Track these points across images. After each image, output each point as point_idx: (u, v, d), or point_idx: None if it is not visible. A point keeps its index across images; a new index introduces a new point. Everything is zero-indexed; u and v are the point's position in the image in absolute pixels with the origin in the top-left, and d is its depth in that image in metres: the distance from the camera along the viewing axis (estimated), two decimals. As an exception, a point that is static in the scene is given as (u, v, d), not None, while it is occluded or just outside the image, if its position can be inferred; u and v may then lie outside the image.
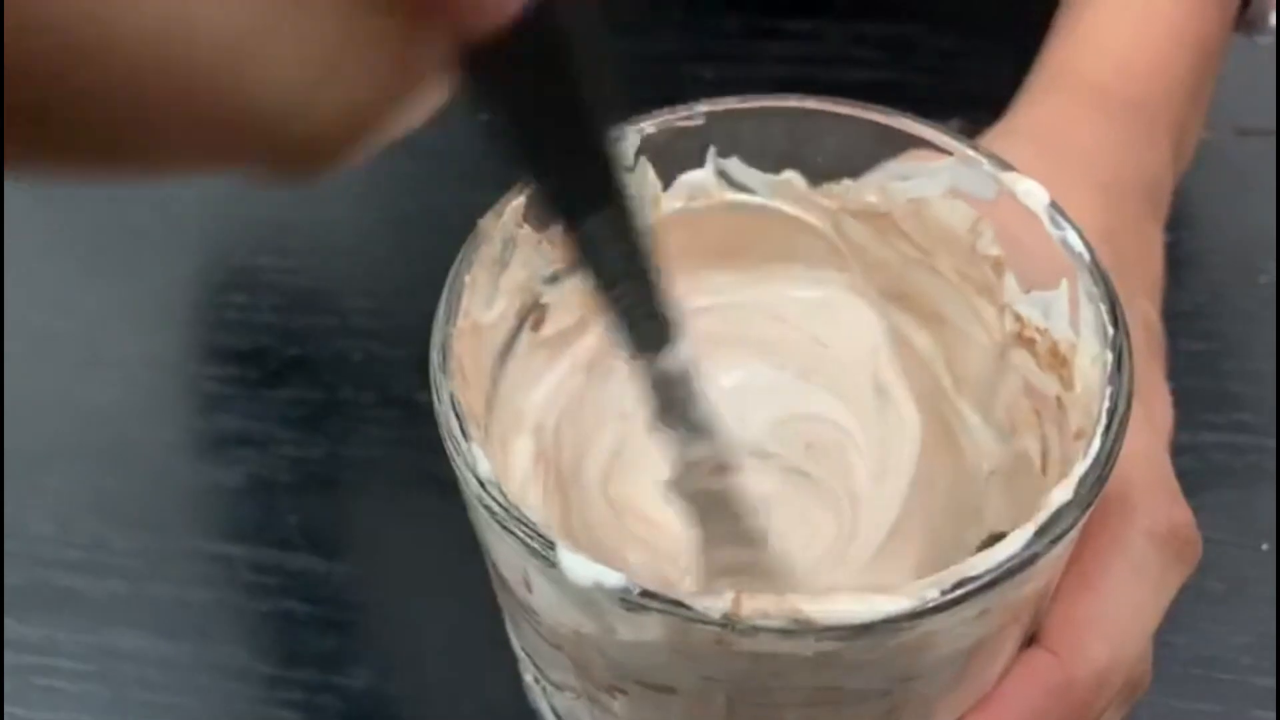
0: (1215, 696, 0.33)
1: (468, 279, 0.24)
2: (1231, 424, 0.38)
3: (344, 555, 0.37)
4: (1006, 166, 0.25)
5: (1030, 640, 0.25)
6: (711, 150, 0.27)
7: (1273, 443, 0.37)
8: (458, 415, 0.22)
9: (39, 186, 0.45)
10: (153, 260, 0.46)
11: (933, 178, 0.26)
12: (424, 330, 0.24)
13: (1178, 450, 0.28)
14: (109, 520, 0.38)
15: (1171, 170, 0.35)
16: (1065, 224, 0.24)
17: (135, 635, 0.36)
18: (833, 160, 0.27)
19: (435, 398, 0.22)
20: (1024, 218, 0.25)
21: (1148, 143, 0.34)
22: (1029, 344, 0.25)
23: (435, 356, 0.23)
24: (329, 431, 0.40)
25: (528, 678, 0.28)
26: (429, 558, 0.37)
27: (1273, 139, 0.45)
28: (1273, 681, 0.33)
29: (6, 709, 0.34)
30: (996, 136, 0.32)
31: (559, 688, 0.25)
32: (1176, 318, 0.36)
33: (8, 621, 0.36)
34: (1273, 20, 0.40)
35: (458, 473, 0.22)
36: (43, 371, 0.42)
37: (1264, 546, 0.35)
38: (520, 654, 0.27)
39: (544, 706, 0.27)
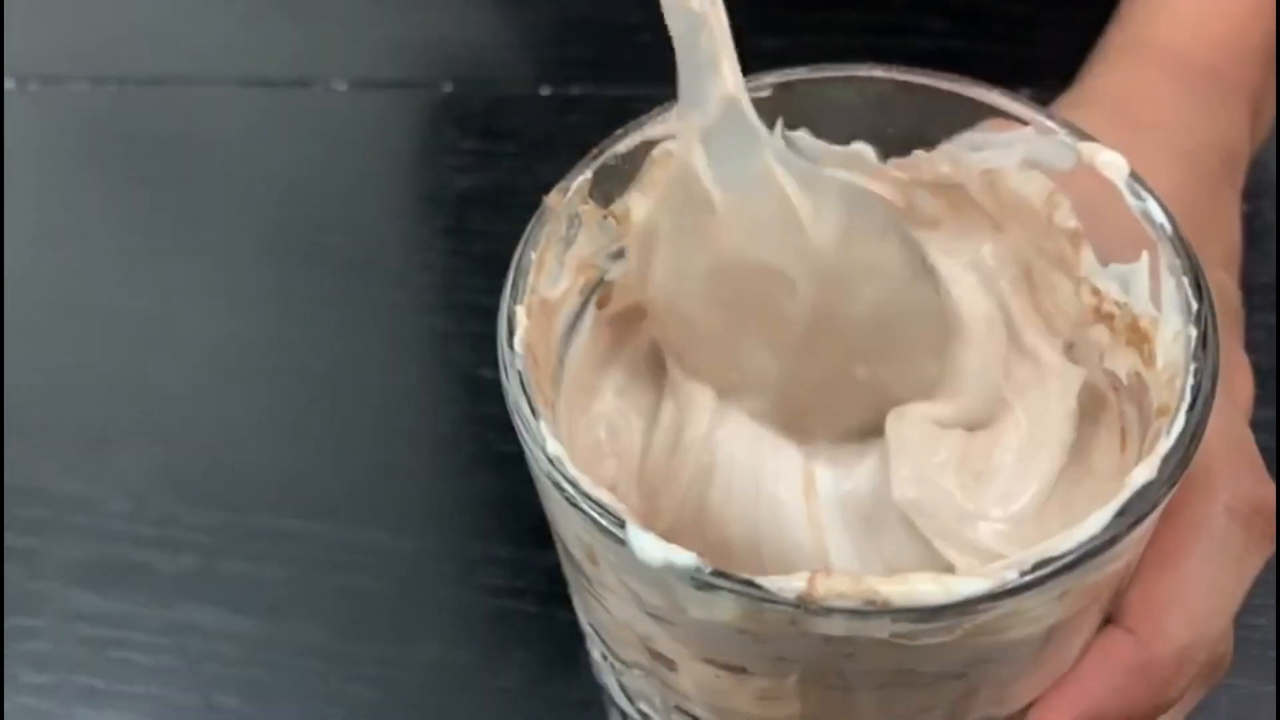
0: (1297, 679, 0.32)
1: (534, 255, 0.24)
2: (1313, 399, 0.37)
3: (413, 531, 0.37)
4: (1085, 136, 0.25)
5: (1108, 620, 0.24)
6: (780, 122, 0.27)
7: (1356, 418, 0.36)
8: (526, 392, 0.22)
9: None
10: (222, 238, 0.46)
11: (1008, 148, 0.26)
12: (488, 306, 0.24)
13: (1259, 427, 0.27)
14: (181, 497, 0.39)
15: (1249, 139, 0.34)
16: (1146, 195, 0.23)
17: (208, 610, 0.36)
18: (903, 131, 0.27)
19: (504, 374, 0.22)
20: (1103, 189, 0.24)
21: (1224, 111, 0.33)
22: (1107, 319, 0.25)
23: (502, 332, 0.23)
24: (395, 409, 0.40)
25: (595, 654, 0.28)
26: (489, 533, 0.37)
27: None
28: (1357, 664, 0.32)
29: (85, 680, 0.35)
30: (1067, 105, 0.32)
31: (628, 665, 0.25)
32: (1256, 291, 0.35)
33: (86, 595, 0.37)
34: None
35: (526, 450, 0.22)
36: (114, 350, 0.43)
37: (1348, 525, 0.34)
38: (588, 630, 0.27)
39: (612, 683, 0.27)
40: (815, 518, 0.23)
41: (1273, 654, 0.32)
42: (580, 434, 0.27)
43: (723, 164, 0.23)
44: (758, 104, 0.26)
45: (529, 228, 0.24)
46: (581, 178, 0.25)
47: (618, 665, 0.26)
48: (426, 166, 0.48)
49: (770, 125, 0.27)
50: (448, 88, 0.49)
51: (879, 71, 0.26)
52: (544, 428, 0.21)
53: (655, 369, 0.27)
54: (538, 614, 0.35)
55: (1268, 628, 0.32)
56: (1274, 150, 0.38)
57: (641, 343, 0.28)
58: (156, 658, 0.35)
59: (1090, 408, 0.25)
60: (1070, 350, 0.26)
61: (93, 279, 0.45)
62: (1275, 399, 0.36)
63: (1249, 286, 0.32)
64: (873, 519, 0.23)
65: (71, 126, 0.50)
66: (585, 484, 0.21)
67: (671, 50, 0.21)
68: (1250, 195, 0.34)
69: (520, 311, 0.23)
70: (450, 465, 0.39)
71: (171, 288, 0.45)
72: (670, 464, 0.24)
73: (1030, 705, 0.24)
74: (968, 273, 0.26)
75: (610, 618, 0.24)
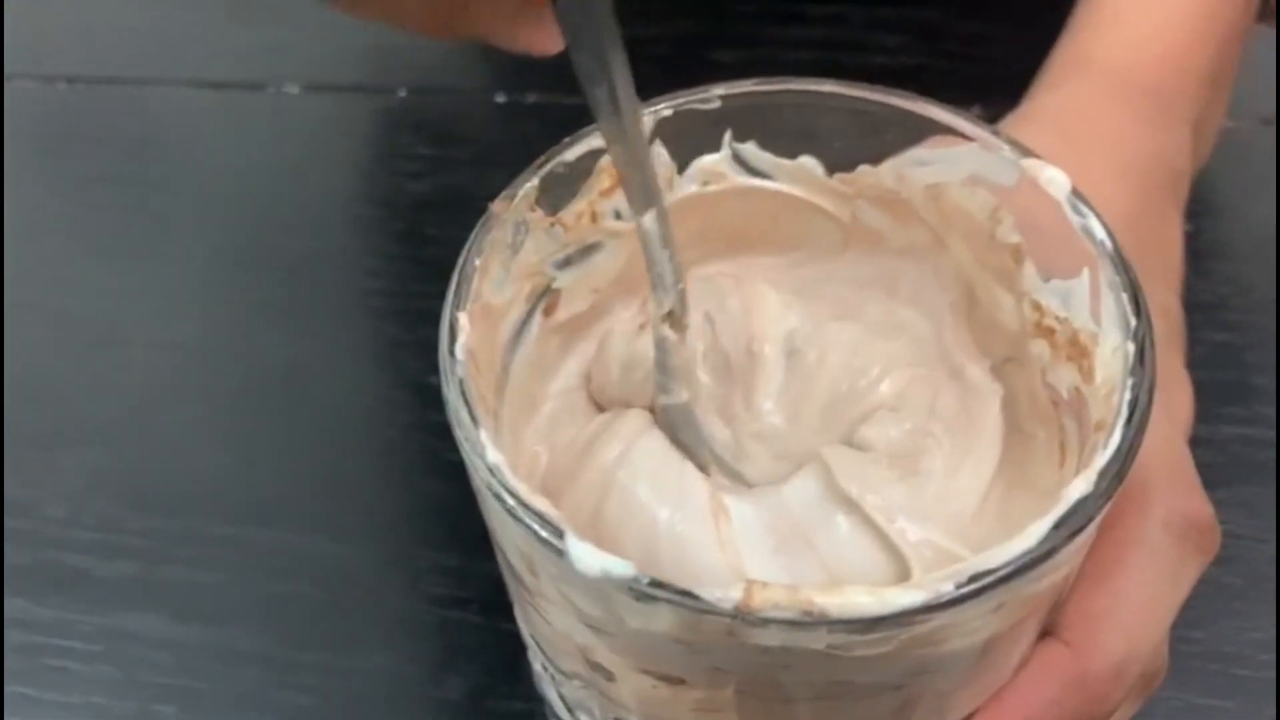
0: (1232, 692, 0.32)
1: (478, 262, 0.24)
2: (1252, 417, 0.37)
3: (357, 538, 0.37)
4: (1028, 153, 0.25)
5: (1046, 633, 0.24)
6: (727, 134, 0.27)
7: (1294, 436, 0.37)
8: (466, 401, 0.22)
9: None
10: (171, 241, 0.46)
11: (953, 164, 0.26)
12: (438, 313, 0.23)
13: (1198, 443, 0.28)
14: (121, 502, 0.38)
15: (1191, 158, 0.34)
16: (1087, 211, 0.24)
17: (146, 617, 0.36)
18: (850, 146, 0.27)
19: (444, 381, 0.22)
20: (1045, 205, 0.24)
21: (1167, 129, 0.33)
22: (1048, 334, 0.25)
23: (444, 340, 0.23)
24: (343, 415, 0.40)
25: (536, 665, 0.28)
26: (437, 542, 0.37)
27: (1299, 128, 0.44)
28: (1291, 678, 0.32)
29: (17, 689, 0.34)
30: (1015, 122, 0.32)
31: (567, 676, 0.25)
32: (1199, 308, 0.35)
33: (19, 602, 0.36)
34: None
35: (466, 459, 0.22)
36: (57, 352, 0.42)
37: (1284, 541, 0.35)
38: (529, 641, 0.27)
39: (552, 694, 0.27)
40: (728, 542, 0.23)
41: (1208, 667, 0.32)
42: (525, 442, 0.27)
43: None
44: (705, 115, 0.26)
45: (474, 234, 0.24)
46: (528, 184, 0.25)
47: (558, 676, 0.26)
48: (379, 172, 0.48)
49: (718, 137, 0.27)
50: (402, 93, 0.49)
51: (827, 86, 0.26)
52: (484, 436, 0.21)
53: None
54: (482, 624, 0.35)
55: (1203, 641, 0.33)
56: (1216, 169, 0.39)
57: (589, 350, 0.28)
58: (93, 666, 0.35)
59: (1026, 423, 0.25)
60: (1006, 365, 0.26)
61: (38, 279, 0.44)
62: (1215, 416, 0.36)
63: (1191, 304, 0.32)
64: (799, 536, 0.23)
65: (20, 125, 0.49)
66: (524, 493, 0.20)
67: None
68: (1193, 214, 0.34)
69: (463, 318, 0.23)
70: (397, 473, 0.39)
71: (117, 289, 0.44)
72: (575, 470, 0.24)
73: (968, 717, 0.24)
74: (904, 337, 0.27)
75: (550, 629, 0.24)
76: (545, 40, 0.19)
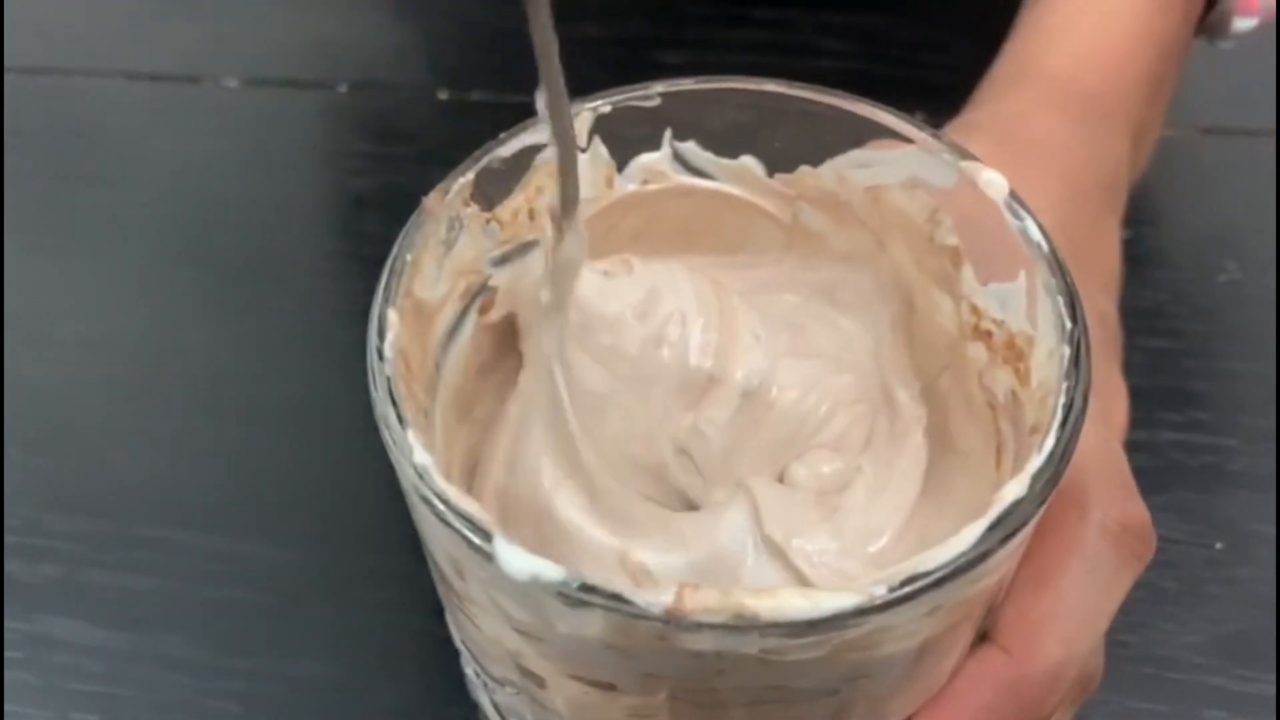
0: (1167, 696, 0.32)
1: (409, 258, 0.23)
2: (1189, 423, 0.37)
3: (292, 542, 0.36)
4: (968, 156, 0.25)
5: (982, 637, 0.24)
6: (668, 133, 0.27)
7: (1229, 442, 0.37)
8: (394, 400, 0.21)
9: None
10: (103, 235, 0.45)
11: (893, 166, 0.26)
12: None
13: (1135, 448, 0.28)
14: (46, 503, 0.37)
15: (1129, 166, 0.35)
16: (1025, 215, 0.24)
17: (70, 623, 0.35)
18: (792, 146, 0.27)
19: (371, 381, 0.22)
20: (983, 208, 0.24)
21: (1105, 137, 0.33)
22: (985, 337, 0.25)
23: (372, 337, 0.22)
24: (277, 415, 0.39)
25: (469, 671, 0.27)
26: (376, 546, 0.36)
27: (1235, 138, 0.45)
28: (1224, 681, 0.33)
29: (-66, 697, 0.33)
30: (956, 130, 0.32)
31: (499, 683, 0.24)
32: (1137, 315, 0.36)
33: (-64, 607, 0.35)
34: (1235, 25, 0.40)
35: (393, 460, 0.21)
36: (-19, 350, 0.41)
37: (1218, 546, 0.35)
38: (461, 647, 0.26)
39: (485, 701, 0.27)
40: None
41: (1143, 670, 0.33)
42: (459, 443, 0.26)
43: None
44: (646, 112, 0.26)
45: (405, 228, 0.24)
46: (462, 179, 0.24)
47: (490, 683, 0.25)
48: (320, 168, 0.47)
49: (659, 135, 0.27)
50: (343, 88, 0.48)
51: (768, 85, 0.26)
52: (411, 437, 0.21)
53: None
54: (419, 630, 0.34)
55: (1138, 645, 0.33)
56: (1155, 177, 0.39)
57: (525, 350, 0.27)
58: (13, 673, 0.34)
59: (959, 439, 0.25)
60: (941, 377, 0.26)
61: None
62: (1153, 421, 0.37)
63: (1129, 311, 0.33)
64: (726, 571, 0.23)
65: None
66: (451, 496, 0.20)
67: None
68: (1131, 221, 0.35)
69: (392, 315, 0.22)
70: (334, 475, 0.38)
71: (47, 284, 0.43)
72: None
73: (904, 722, 0.24)
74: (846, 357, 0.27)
75: (481, 634, 0.23)
76: None
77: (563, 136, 0.22)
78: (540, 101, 0.21)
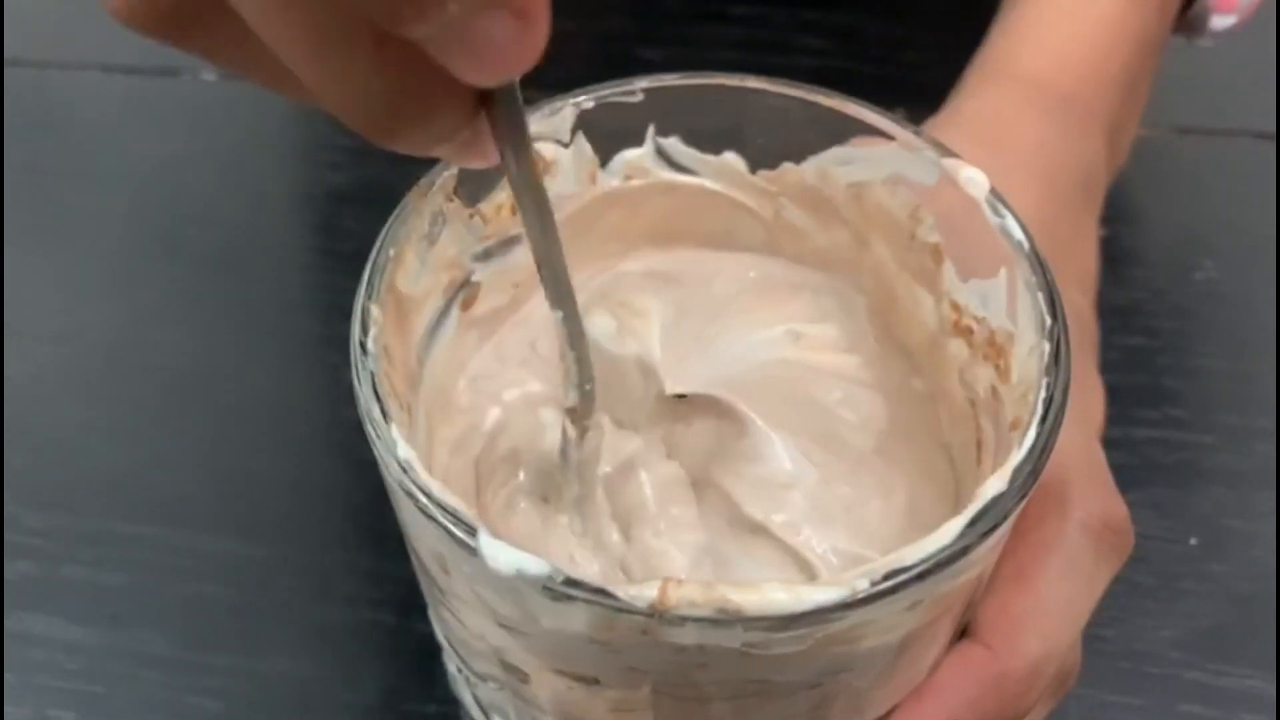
0: (1143, 690, 0.33)
1: (393, 252, 0.23)
2: (1165, 419, 0.38)
3: (266, 538, 0.36)
4: (948, 153, 0.25)
5: (963, 633, 0.24)
6: (651, 129, 0.27)
7: (1205, 439, 0.37)
8: (378, 395, 0.21)
9: None
10: (76, 227, 0.44)
11: (875, 163, 0.26)
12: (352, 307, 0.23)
13: (1110, 445, 0.28)
14: (18, 499, 0.37)
15: (1106, 164, 0.35)
16: (1005, 212, 0.24)
17: (44, 619, 0.34)
18: (774, 143, 0.27)
19: (354, 376, 0.21)
20: (964, 205, 0.24)
21: (1082, 136, 0.34)
22: (966, 333, 0.25)
23: (355, 332, 0.22)
24: (253, 410, 0.39)
25: (451, 667, 0.27)
26: (351, 542, 0.36)
27: (1211, 138, 0.45)
28: (1200, 675, 0.33)
29: (-94, 695, 0.33)
30: (934, 127, 0.32)
31: (482, 678, 0.24)
32: (1114, 313, 0.36)
33: (-92, 604, 0.34)
34: (1213, 23, 0.40)
35: (377, 455, 0.21)
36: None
37: (1193, 541, 0.35)
38: (443, 642, 0.26)
39: (467, 696, 0.27)
40: None
41: (1120, 664, 0.33)
42: (440, 437, 0.26)
43: None
44: (629, 108, 0.26)
45: (389, 223, 0.23)
46: (446, 174, 0.24)
47: (472, 678, 0.25)
48: (298, 162, 0.47)
49: (642, 131, 0.27)
50: (322, 83, 0.48)
51: (751, 82, 0.26)
52: (395, 431, 0.21)
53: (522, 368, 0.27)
54: (395, 626, 0.34)
55: (1115, 639, 0.33)
56: (1131, 176, 0.39)
57: (507, 338, 0.27)
58: (-14, 670, 0.33)
59: (943, 430, 0.26)
60: (919, 373, 0.26)
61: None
62: (1128, 418, 0.37)
63: (1106, 309, 0.33)
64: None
65: (-83, 107, 0.48)
66: (436, 490, 0.20)
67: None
68: (1108, 220, 0.35)
69: (375, 309, 0.22)
70: (309, 471, 0.38)
71: (19, 277, 0.42)
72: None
73: (885, 716, 0.24)
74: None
75: (464, 630, 0.23)
76: (485, 152, 0.18)
77: (573, 321, 0.22)
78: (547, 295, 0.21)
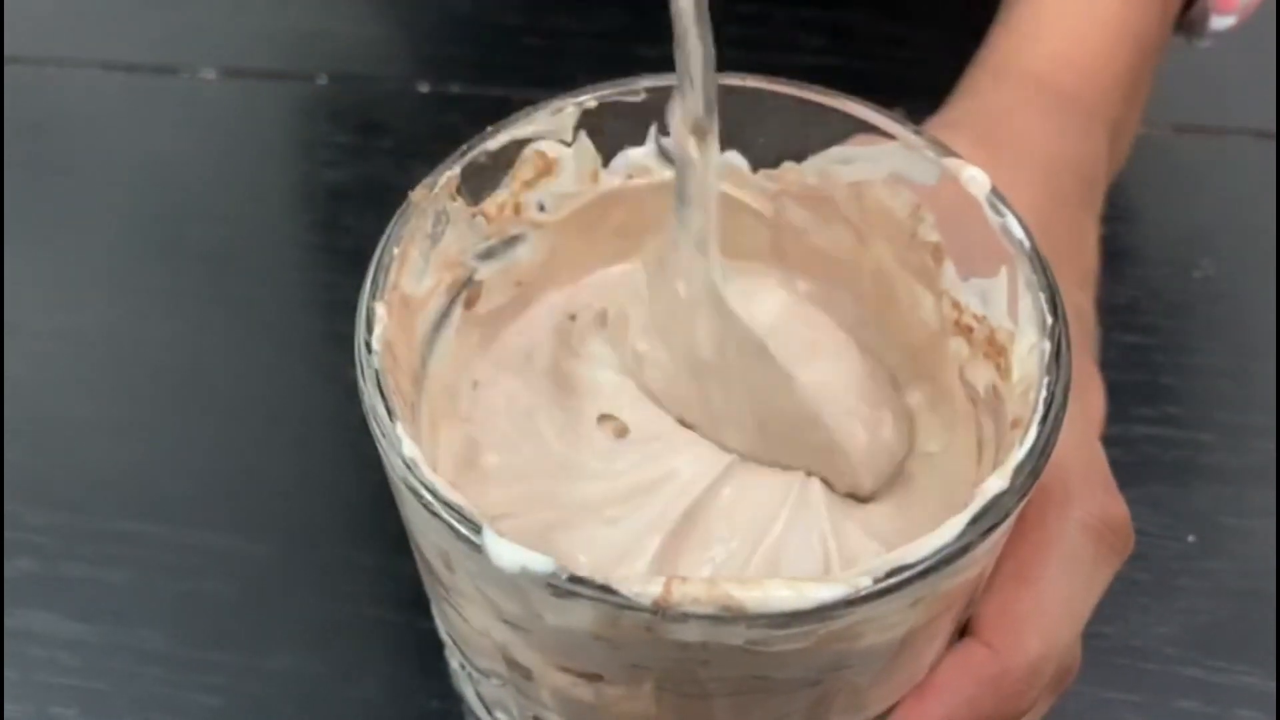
0: (1141, 686, 0.33)
1: (396, 251, 0.23)
2: (1162, 417, 0.38)
3: (268, 535, 0.36)
4: (949, 152, 0.25)
5: (963, 630, 0.25)
6: (653, 128, 0.27)
7: (1203, 436, 0.38)
8: (382, 393, 0.21)
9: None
10: (76, 225, 0.44)
11: (875, 162, 0.26)
12: (353, 305, 0.23)
13: (1108, 442, 0.28)
14: (20, 496, 0.37)
15: (1107, 163, 0.35)
16: (1006, 211, 0.24)
17: (47, 616, 0.34)
18: (776, 142, 0.27)
19: (360, 374, 0.22)
20: (965, 204, 0.24)
21: (1084, 135, 0.34)
22: (966, 332, 0.25)
23: (360, 331, 0.22)
24: (254, 407, 0.39)
25: (453, 663, 0.27)
26: (352, 538, 0.36)
27: (1210, 136, 0.46)
28: (1197, 672, 0.33)
29: (-92, 691, 0.33)
30: (936, 126, 0.32)
31: (485, 674, 0.25)
32: (1112, 311, 0.36)
33: (-90, 600, 0.34)
34: (1213, 23, 0.40)
35: (381, 453, 0.21)
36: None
37: (1190, 539, 0.36)
38: (446, 639, 0.26)
39: (469, 693, 0.27)
40: None
41: (1117, 661, 0.33)
42: (444, 435, 0.26)
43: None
44: (631, 108, 0.26)
45: (392, 222, 0.24)
46: (449, 173, 0.24)
47: (475, 675, 0.25)
48: (297, 159, 0.47)
49: (644, 130, 0.27)
50: (322, 80, 0.48)
51: (752, 81, 0.26)
52: (400, 429, 0.21)
53: (524, 370, 0.27)
54: (398, 622, 0.34)
55: (1113, 636, 0.33)
56: (1131, 175, 0.39)
57: (509, 342, 0.27)
58: (-12, 666, 0.34)
59: (939, 435, 0.26)
60: (920, 374, 0.26)
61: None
62: (1126, 416, 0.37)
63: (1104, 307, 0.33)
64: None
65: (-85, 104, 0.48)
66: (441, 488, 0.20)
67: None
68: (1107, 218, 0.35)
69: (380, 308, 0.22)
70: (310, 467, 0.38)
71: (18, 274, 0.42)
72: None
73: (885, 713, 0.24)
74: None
75: (467, 626, 0.23)
76: None
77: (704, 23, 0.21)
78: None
